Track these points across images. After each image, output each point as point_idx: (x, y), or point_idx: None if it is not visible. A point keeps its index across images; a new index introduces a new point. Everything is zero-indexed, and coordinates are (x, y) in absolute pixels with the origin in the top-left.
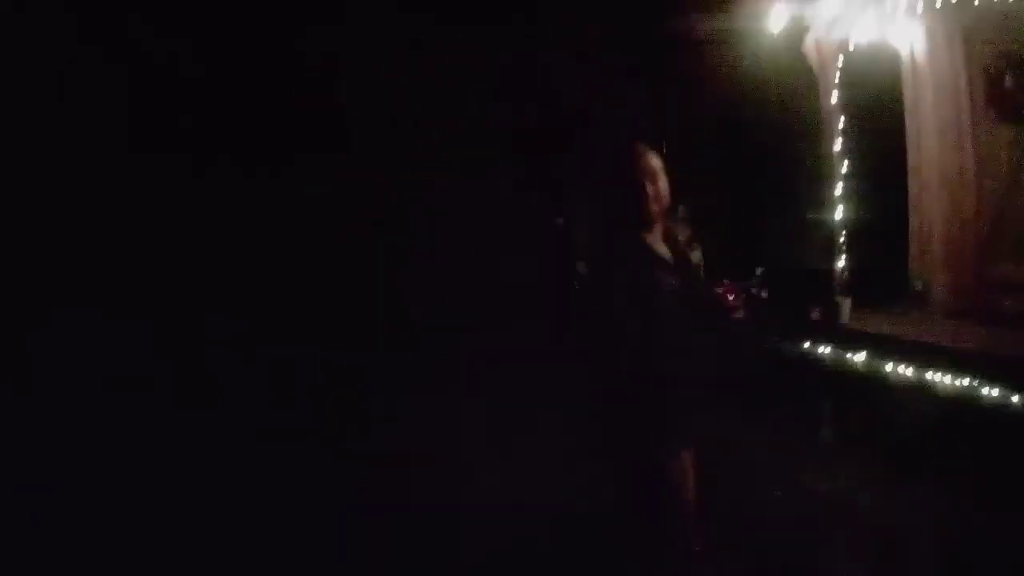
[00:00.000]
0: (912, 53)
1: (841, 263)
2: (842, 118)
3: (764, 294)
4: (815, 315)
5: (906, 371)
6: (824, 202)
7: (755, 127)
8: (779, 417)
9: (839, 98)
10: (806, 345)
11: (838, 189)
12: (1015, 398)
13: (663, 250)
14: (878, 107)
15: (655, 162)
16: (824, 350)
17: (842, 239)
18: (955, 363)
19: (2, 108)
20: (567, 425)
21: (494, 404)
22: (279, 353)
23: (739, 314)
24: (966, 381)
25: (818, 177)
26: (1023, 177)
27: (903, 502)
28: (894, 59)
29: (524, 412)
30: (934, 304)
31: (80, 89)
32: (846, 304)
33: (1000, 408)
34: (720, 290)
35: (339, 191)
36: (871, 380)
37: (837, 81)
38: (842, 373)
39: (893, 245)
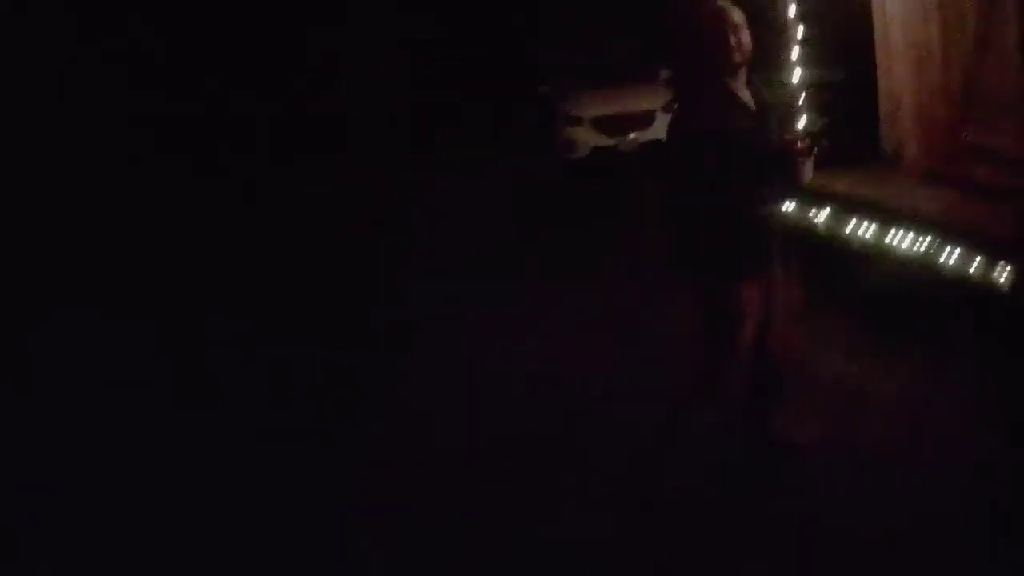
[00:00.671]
0: None
1: (801, 123)
2: None
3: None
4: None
5: (868, 231)
6: (785, 64)
7: None
8: None
9: None
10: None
11: (795, 52)
12: (977, 264)
13: (746, 96)
14: None
15: (737, 15)
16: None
17: (801, 99)
18: (921, 226)
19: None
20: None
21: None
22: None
23: (805, 164)
24: (930, 244)
25: (778, 39)
26: (991, 45)
27: (859, 364)
28: None
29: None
30: (904, 168)
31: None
32: (808, 164)
33: (960, 275)
34: (790, 138)
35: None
36: (830, 240)
37: None
38: (802, 231)
39: (864, 108)
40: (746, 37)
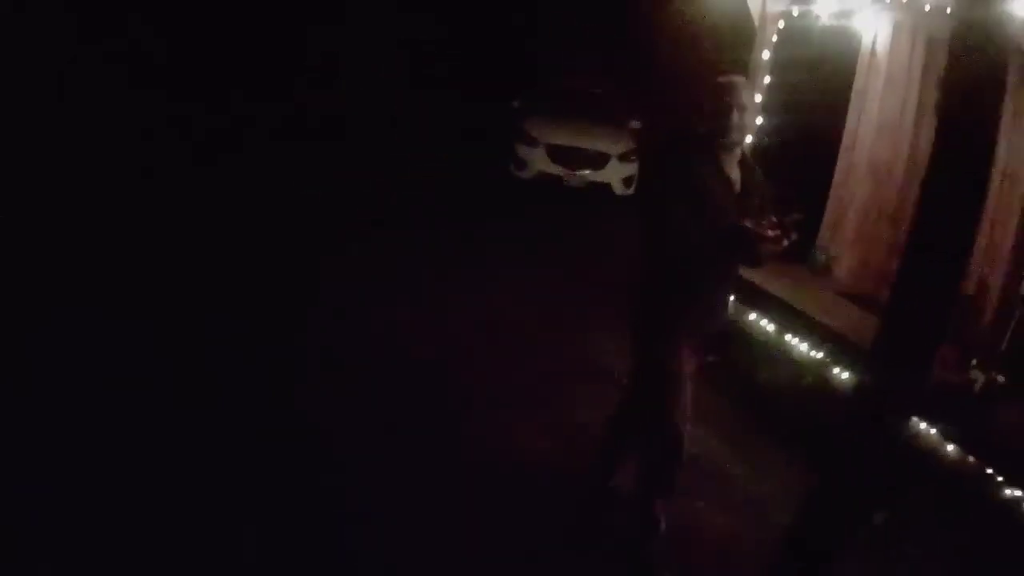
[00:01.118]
0: (874, 41)
1: (776, 213)
2: (768, 76)
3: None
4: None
5: (771, 327)
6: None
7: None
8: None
9: (770, 56)
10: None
11: (747, 139)
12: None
13: (734, 174)
14: (823, 81)
15: (748, 98)
16: None
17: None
18: (826, 337)
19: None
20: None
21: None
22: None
23: (769, 250)
24: (829, 353)
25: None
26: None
27: (730, 450)
28: (853, 41)
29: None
30: (832, 281)
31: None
32: (773, 251)
33: (847, 395)
34: (762, 224)
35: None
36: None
37: (774, 40)
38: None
39: (808, 214)
40: (749, 120)
